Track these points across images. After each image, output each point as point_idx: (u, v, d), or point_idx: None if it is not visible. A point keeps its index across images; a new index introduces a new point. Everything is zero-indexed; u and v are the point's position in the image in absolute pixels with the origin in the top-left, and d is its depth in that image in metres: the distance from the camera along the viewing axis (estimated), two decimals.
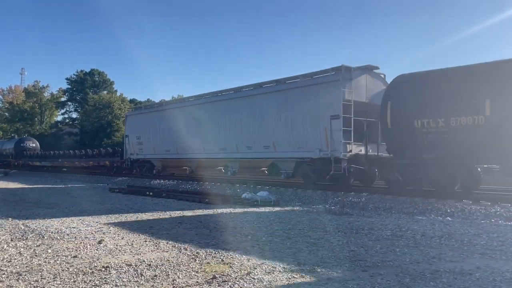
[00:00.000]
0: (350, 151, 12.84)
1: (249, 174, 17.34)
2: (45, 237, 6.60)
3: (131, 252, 5.61)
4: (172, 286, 4.13)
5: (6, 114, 61.77)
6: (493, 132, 9.72)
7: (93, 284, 4.16)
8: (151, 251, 5.69)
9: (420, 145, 11.05)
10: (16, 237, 6.62)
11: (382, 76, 14.07)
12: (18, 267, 4.80)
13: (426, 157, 10.98)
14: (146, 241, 6.35)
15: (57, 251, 5.62)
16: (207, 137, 17.36)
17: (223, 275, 4.46)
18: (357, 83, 13.24)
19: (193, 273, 4.55)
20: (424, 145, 10.97)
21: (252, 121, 15.63)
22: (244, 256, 5.35)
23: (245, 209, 10.37)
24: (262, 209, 10.41)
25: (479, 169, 11.09)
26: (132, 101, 61.01)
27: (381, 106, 12.03)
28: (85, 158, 29.55)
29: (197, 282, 4.25)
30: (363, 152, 12.99)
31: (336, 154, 12.83)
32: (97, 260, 5.14)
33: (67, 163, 31.26)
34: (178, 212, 9.91)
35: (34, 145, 40.39)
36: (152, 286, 4.14)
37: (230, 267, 4.81)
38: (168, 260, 5.11)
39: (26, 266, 4.84)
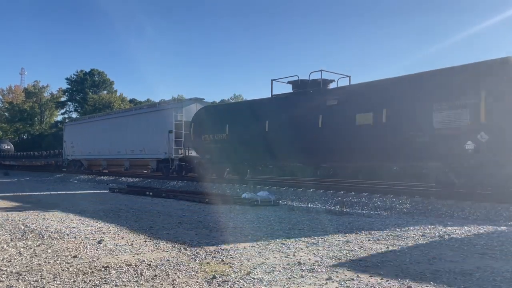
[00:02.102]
0: (181, 153, 19.62)
1: (136, 169, 24.81)
2: (45, 237, 6.60)
3: (131, 252, 5.61)
4: (172, 286, 4.12)
5: (6, 114, 61.82)
6: (230, 144, 16.22)
7: (93, 284, 4.16)
8: (151, 251, 5.69)
9: (204, 150, 17.66)
10: (16, 237, 6.62)
11: (203, 103, 21.00)
12: (18, 267, 4.79)
13: (207, 157, 17.71)
14: (146, 241, 6.35)
15: (57, 251, 5.61)
16: (110, 143, 24.56)
17: (223, 275, 4.46)
18: (188, 109, 20.00)
19: (193, 273, 4.55)
20: (205, 150, 17.55)
21: (133, 133, 22.71)
22: (244, 256, 5.35)
23: (245, 209, 10.37)
24: (262, 209, 10.41)
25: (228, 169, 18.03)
26: (132, 101, 61.09)
27: (190, 126, 18.46)
28: (39, 158, 37.62)
29: (197, 282, 4.25)
30: (187, 154, 19.71)
31: (172, 156, 19.66)
32: (97, 260, 5.14)
33: (28, 162, 39.21)
34: (178, 212, 9.91)
35: (8, 147, 46.70)
36: (152, 286, 4.14)
37: (230, 267, 4.81)
38: (168, 260, 5.11)
39: (26, 266, 4.83)
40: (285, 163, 15.67)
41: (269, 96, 15.70)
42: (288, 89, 15.28)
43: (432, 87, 10.79)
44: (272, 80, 15.71)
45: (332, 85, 14.31)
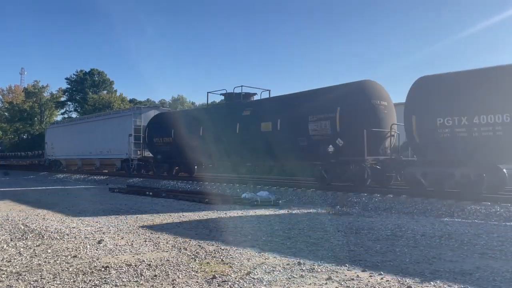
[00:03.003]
0: (140, 154, 22.58)
1: (106, 168, 27.29)
2: (45, 237, 6.60)
3: (131, 252, 5.61)
4: (172, 286, 4.12)
5: (6, 114, 61.75)
6: (175, 146, 19.59)
7: (93, 284, 4.16)
8: (151, 251, 5.69)
9: (156, 151, 21.00)
10: (16, 237, 6.62)
11: (166, 110, 24.71)
12: (18, 267, 4.79)
13: (158, 157, 20.87)
14: (146, 241, 6.35)
15: (57, 251, 5.61)
16: (84, 145, 27.40)
17: (223, 275, 4.46)
18: (147, 115, 22.73)
19: (193, 273, 4.55)
20: (157, 151, 20.85)
21: (102, 136, 25.46)
22: (244, 256, 5.35)
23: (245, 209, 10.37)
24: (262, 209, 10.41)
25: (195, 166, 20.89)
26: (132, 101, 61.08)
27: (145, 130, 21.83)
28: (25, 158, 40.59)
29: (197, 282, 4.24)
30: (144, 154, 22.55)
31: (132, 156, 22.53)
32: (97, 260, 5.14)
33: (15, 162, 42.39)
34: (178, 212, 9.91)
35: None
36: (152, 286, 4.14)
37: (230, 267, 4.80)
38: (168, 260, 5.11)
39: (26, 266, 4.83)
40: (218, 162, 18.96)
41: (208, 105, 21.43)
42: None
43: (308, 103, 14.14)
44: (208, 93, 22.63)
45: (255, 97, 17.99)
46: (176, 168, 21.11)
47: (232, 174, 19.88)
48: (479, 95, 10.25)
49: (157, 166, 21.14)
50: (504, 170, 11.01)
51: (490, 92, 10.08)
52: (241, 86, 17.60)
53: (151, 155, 21.82)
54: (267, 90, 18.06)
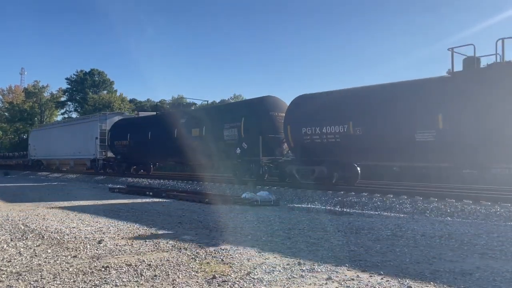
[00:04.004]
0: (104, 155, 25.48)
1: (79, 167, 29.40)
2: (45, 237, 6.60)
3: (131, 252, 5.61)
4: (172, 286, 4.12)
5: (6, 114, 61.71)
6: (131, 148, 22.95)
7: (93, 284, 4.16)
8: (151, 251, 5.69)
9: (116, 152, 24.32)
10: (16, 237, 6.62)
11: (129, 116, 28.35)
12: (18, 267, 4.80)
13: (118, 158, 24.19)
14: (146, 241, 6.35)
15: (57, 251, 5.62)
16: (60, 147, 30.66)
17: (223, 275, 4.46)
18: (111, 120, 25.80)
19: (193, 273, 4.55)
20: (117, 152, 24.21)
21: (75, 139, 28.55)
22: (244, 256, 5.35)
23: (245, 209, 10.37)
24: (262, 209, 10.41)
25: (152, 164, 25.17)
26: (132, 101, 61.05)
27: (108, 134, 25.12)
28: (12, 159, 43.29)
29: (197, 282, 4.25)
30: (107, 155, 25.53)
31: (98, 156, 25.68)
32: (97, 260, 5.14)
33: (3, 162, 44.46)
34: (178, 212, 9.92)
35: None
36: (152, 286, 4.14)
37: (230, 267, 4.81)
38: (168, 260, 5.11)
39: (26, 266, 4.83)
40: (164, 161, 23.42)
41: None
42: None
43: (224, 114, 17.68)
44: (157, 103, 26.86)
45: (195, 107, 22.40)
46: (134, 167, 24.59)
47: (178, 172, 25.00)
48: (327, 111, 13.45)
49: (118, 165, 24.51)
50: (358, 168, 14.32)
51: (333, 109, 13.34)
52: (182, 97, 24.27)
53: (113, 155, 25.05)
54: (205, 100, 23.50)
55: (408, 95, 11.70)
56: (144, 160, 23.52)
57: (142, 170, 24.59)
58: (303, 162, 13.96)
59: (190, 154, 18.52)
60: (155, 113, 24.45)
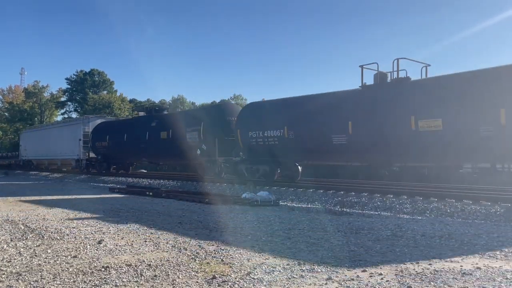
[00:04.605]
0: (87, 155, 27.60)
1: (65, 166, 31.89)
2: (45, 237, 6.60)
3: (131, 252, 5.61)
4: (172, 286, 4.12)
5: (6, 114, 61.71)
6: (110, 149, 25.21)
7: (93, 284, 4.16)
8: (151, 251, 5.69)
9: (97, 152, 26.24)
10: (16, 237, 6.62)
11: (109, 119, 31.27)
12: (18, 267, 4.79)
13: (99, 158, 25.94)
14: (146, 241, 6.35)
15: (57, 251, 5.61)
16: (49, 148, 32.99)
17: (223, 275, 4.46)
18: (94, 123, 28.08)
19: (193, 273, 4.55)
20: (98, 153, 26.18)
21: (61, 140, 30.77)
22: (244, 256, 5.35)
23: (245, 209, 10.37)
24: (262, 209, 10.41)
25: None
26: (132, 101, 61.01)
27: (90, 136, 26.98)
28: (5, 159, 44.88)
29: (197, 282, 4.24)
30: (90, 155, 27.48)
31: (81, 157, 27.95)
32: (97, 260, 5.14)
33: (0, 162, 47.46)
34: (178, 212, 9.91)
35: None
36: (152, 286, 4.14)
37: (230, 267, 4.80)
38: (168, 260, 5.11)
39: (26, 266, 4.83)
40: (139, 161, 25.78)
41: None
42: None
43: (187, 119, 19.71)
44: (132, 109, 30.37)
45: (165, 112, 25.06)
46: (114, 166, 26.49)
47: (153, 171, 28.18)
48: (269, 118, 15.54)
49: (99, 165, 26.56)
50: (299, 167, 16.13)
51: (273, 116, 15.43)
52: (153, 105, 27.14)
53: (95, 156, 27.10)
54: (167, 108, 27.95)
55: (327, 105, 13.90)
56: (121, 160, 25.77)
57: (122, 170, 26.28)
58: (250, 161, 16.14)
59: (159, 155, 21.62)
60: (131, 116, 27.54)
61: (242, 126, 16.37)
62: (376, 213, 10.03)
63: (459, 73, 11.42)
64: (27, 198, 13.47)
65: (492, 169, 11.70)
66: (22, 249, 5.76)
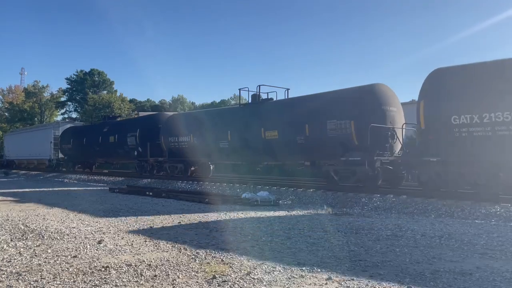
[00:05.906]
0: (56, 156, 32.08)
1: (41, 166, 35.20)
2: (45, 237, 6.60)
3: (131, 252, 5.61)
4: (172, 286, 4.12)
5: (6, 114, 61.71)
6: (73, 151, 30.13)
7: (93, 284, 4.15)
8: (151, 251, 5.68)
9: (65, 153, 31.19)
10: (16, 237, 6.62)
11: (76, 124, 35.73)
12: (18, 267, 4.79)
13: (66, 158, 31.34)
14: (146, 241, 6.35)
15: (57, 251, 5.61)
16: (27, 149, 37.34)
17: (223, 275, 4.46)
18: (64, 128, 32.77)
19: (193, 273, 4.55)
20: (65, 153, 30.85)
21: (37, 142, 35.13)
22: (244, 256, 5.35)
23: (245, 209, 10.37)
24: (262, 209, 10.41)
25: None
26: (132, 101, 61.06)
27: (59, 139, 31.72)
28: None
29: (197, 282, 4.24)
30: (59, 156, 31.94)
31: (52, 157, 32.51)
32: (97, 260, 5.14)
33: None
34: (178, 212, 9.91)
35: None
36: (152, 286, 4.14)
37: (230, 267, 4.80)
38: (168, 260, 5.11)
39: (26, 266, 4.83)
40: (95, 161, 29.00)
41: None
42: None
43: (128, 125, 24.10)
44: (91, 118, 35.89)
45: (118, 119, 29.41)
46: (78, 165, 30.28)
47: (108, 169, 30.62)
48: (182, 127, 19.79)
49: (66, 164, 31.25)
50: (211, 165, 20.10)
51: (184, 126, 19.69)
52: (111, 114, 34.33)
53: (63, 156, 31.45)
54: (119, 115, 33.00)
55: (217, 117, 18.83)
56: (83, 160, 29.53)
57: (87, 169, 29.69)
58: (171, 161, 20.56)
59: (110, 155, 25.93)
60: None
61: (165, 133, 20.77)
62: (376, 213, 10.03)
63: (293, 98, 16.46)
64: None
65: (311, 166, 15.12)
66: (22, 249, 5.75)
